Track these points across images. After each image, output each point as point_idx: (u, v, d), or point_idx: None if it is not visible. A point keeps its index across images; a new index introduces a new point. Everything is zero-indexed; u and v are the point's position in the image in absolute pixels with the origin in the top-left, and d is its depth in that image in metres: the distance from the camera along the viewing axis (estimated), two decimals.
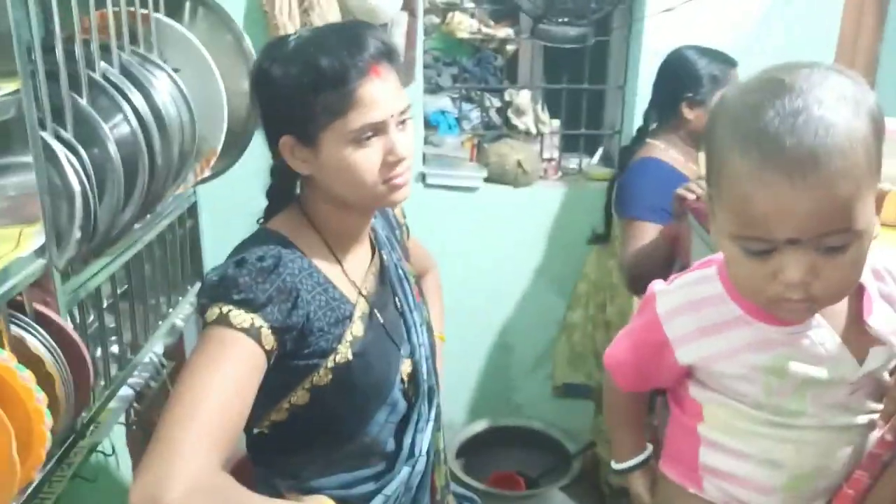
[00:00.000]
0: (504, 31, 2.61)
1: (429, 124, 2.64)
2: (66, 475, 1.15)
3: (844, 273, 0.77)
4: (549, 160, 2.74)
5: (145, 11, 1.44)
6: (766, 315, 0.86)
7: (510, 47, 2.68)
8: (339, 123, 0.99)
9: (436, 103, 2.64)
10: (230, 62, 1.58)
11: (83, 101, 1.19)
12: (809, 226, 0.73)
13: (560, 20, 2.53)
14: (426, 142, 2.62)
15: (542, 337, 2.76)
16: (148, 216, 1.47)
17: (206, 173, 1.57)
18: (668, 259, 1.82)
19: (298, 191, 1.14)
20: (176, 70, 1.47)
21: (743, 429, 0.92)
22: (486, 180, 2.62)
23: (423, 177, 2.57)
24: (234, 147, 1.62)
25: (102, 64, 1.28)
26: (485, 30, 2.57)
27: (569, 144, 2.78)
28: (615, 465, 1.15)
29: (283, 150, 1.05)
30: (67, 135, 1.15)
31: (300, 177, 1.12)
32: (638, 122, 2.43)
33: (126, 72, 1.32)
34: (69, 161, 1.13)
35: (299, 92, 1.01)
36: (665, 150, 2.08)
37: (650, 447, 1.13)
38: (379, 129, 1.02)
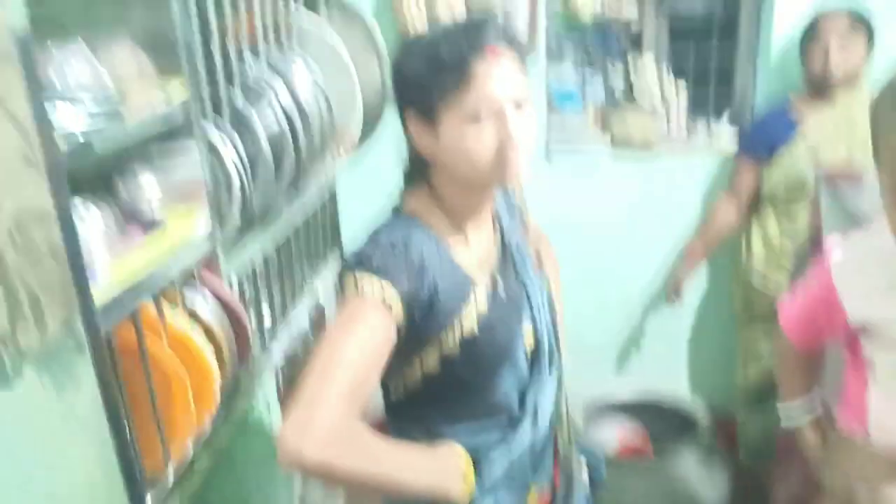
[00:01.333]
0: (628, 11, 2.58)
1: (552, 103, 2.67)
2: (229, 423, 1.32)
3: None
4: (677, 129, 2.69)
5: (286, 9, 1.58)
6: None
7: (635, 27, 2.65)
8: (456, 100, 1.07)
9: (559, 74, 2.66)
10: (362, 54, 1.70)
11: (238, 95, 1.34)
12: None
13: None
14: (549, 118, 2.66)
15: (668, 308, 2.75)
16: (294, 196, 1.61)
17: (345, 155, 1.70)
18: None
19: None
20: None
21: None
22: (612, 149, 2.63)
23: (547, 148, 2.61)
24: (368, 129, 1.74)
25: (251, 58, 1.42)
26: (608, 11, 2.56)
27: (698, 103, 2.72)
28: (785, 404, 1.25)
29: (409, 128, 1.14)
30: (224, 124, 1.30)
31: (429, 162, 1.21)
32: (770, 87, 2.36)
33: (271, 66, 1.46)
34: (227, 150, 1.28)
35: (424, 73, 1.09)
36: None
37: (818, 395, 1.22)
38: (494, 109, 1.07)
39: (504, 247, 1.27)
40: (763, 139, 2.32)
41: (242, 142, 1.30)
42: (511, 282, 1.25)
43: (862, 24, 2.16)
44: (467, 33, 1.08)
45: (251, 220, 1.36)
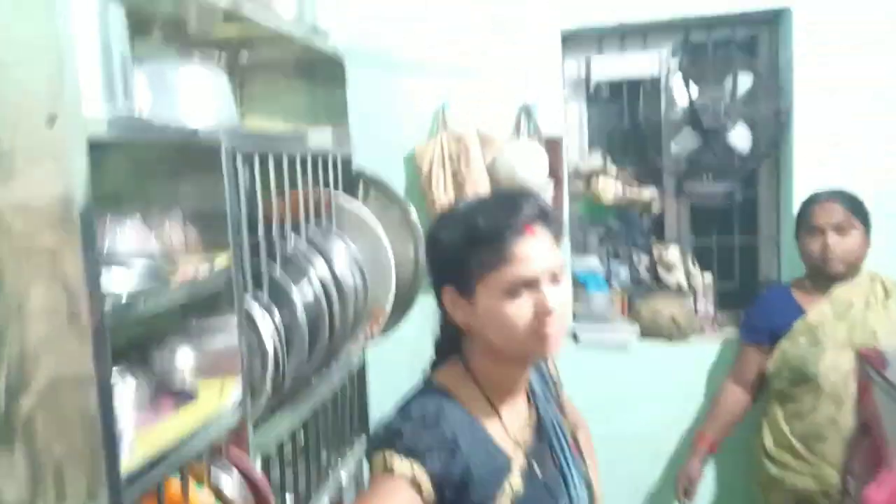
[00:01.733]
0: (648, 192, 2.69)
1: (577, 282, 2.70)
2: None
3: None
4: (704, 316, 2.69)
5: (327, 191, 1.65)
6: None
7: (656, 207, 2.74)
8: (493, 276, 1.08)
9: (584, 263, 2.71)
10: (398, 232, 1.76)
11: (278, 270, 1.37)
12: None
13: (705, 177, 2.59)
14: (575, 299, 2.67)
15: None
16: (325, 371, 1.59)
17: (376, 332, 1.70)
18: None
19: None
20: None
21: None
22: (640, 336, 2.61)
23: (574, 334, 2.60)
24: (401, 308, 1.75)
25: (293, 236, 1.47)
26: (629, 193, 2.66)
27: (724, 299, 2.73)
28: None
29: (445, 301, 1.15)
30: (264, 297, 1.31)
31: (462, 332, 1.20)
32: (795, 272, 2.38)
33: (311, 242, 1.51)
34: (265, 322, 1.28)
35: (460, 248, 1.11)
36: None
37: None
38: (531, 283, 1.08)
39: (539, 423, 1.23)
40: (764, 324, 2.29)
41: (280, 314, 1.31)
42: (547, 461, 1.19)
43: (858, 213, 2.14)
44: (505, 210, 1.12)
45: (282, 394, 1.33)
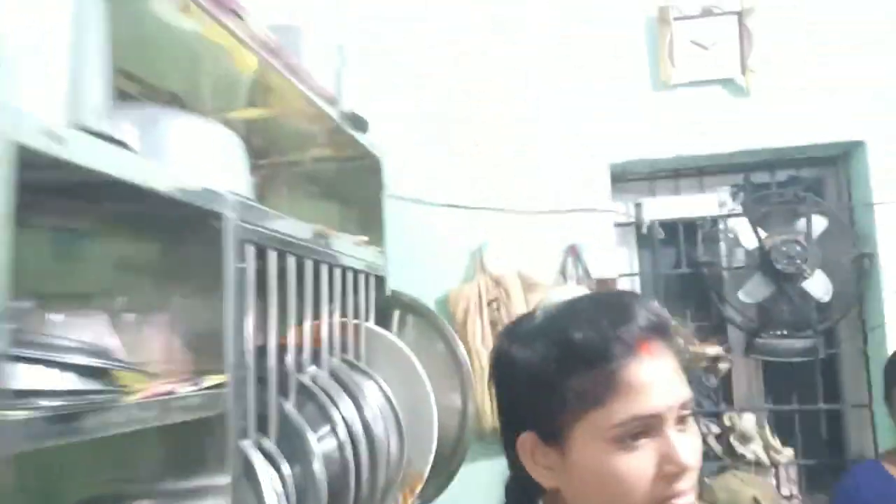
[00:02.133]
0: (713, 349, 2.33)
1: None
2: None
3: None
4: (789, 497, 2.24)
5: (356, 322, 1.32)
6: None
7: (723, 366, 2.37)
8: (596, 415, 0.76)
9: None
10: (441, 372, 1.40)
11: (289, 406, 1.01)
12: None
13: (778, 333, 2.25)
14: None
15: None
16: None
17: (410, 501, 1.29)
18: None
19: None
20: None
21: None
22: None
23: None
24: (442, 472, 1.35)
25: (312, 368, 1.12)
26: (691, 349, 2.31)
27: (811, 474, 2.29)
28: None
29: (521, 453, 0.81)
30: (270, 445, 0.94)
31: (542, 494, 0.83)
32: (891, 443, 1.99)
33: (334, 377, 1.15)
34: (269, 479, 0.90)
35: (545, 373, 0.78)
36: None
37: None
38: (652, 425, 0.76)
39: None
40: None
41: (291, 468, 0.93)
42: None
43: None
44: (610, 319, 0.79)
45: None
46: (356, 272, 1.29)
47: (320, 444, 1.01)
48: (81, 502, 0.81)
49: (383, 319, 1.43)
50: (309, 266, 1.13)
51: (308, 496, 0.94)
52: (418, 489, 1.29)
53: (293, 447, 0.96)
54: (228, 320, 0.89)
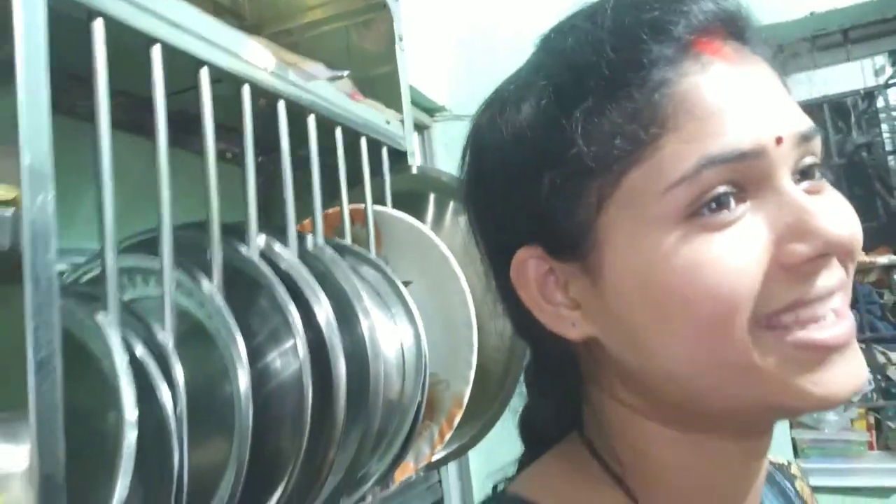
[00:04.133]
0: (886, 257, 1.81)
1: None
2: None
3: None
4: None
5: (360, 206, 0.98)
6: None
7: None
8: (640, 174, 0.39)
9: None
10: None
11: (212, 287, 0.68)
12: None
13: None
14: (792, 424, 1.75)
15: None
16: None
17: (439, 442, 0.93)
18: None
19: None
20: (406, 283, 0.95)
21: None
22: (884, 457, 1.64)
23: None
24: (486, 406, 0.99)
25: (276, 247, 0.79)
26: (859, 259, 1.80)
27: None
28: None
29: (519, 288, 0.46)
30: (164, 337, 0.62)
31: (580, 378, 0.49)
32: None
33: (311, 265, 0.81)
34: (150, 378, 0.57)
35: (546, 123, 0.42)
36: None
37: None
38: (749, 177, 0.39)
39: None
40: None
41: (194, 385, 0.60)
42: None
43: None
44: (648, 15, 0.41)
45: None
46: (357, 134, 0.95)
47: (264, 358, 0.68)
48: None
49: (410, 208, 1.08)
50: (282, 107, 0.81)
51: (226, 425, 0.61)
52: (458, 418, 0.92)
53: (206, 353, 0.63)
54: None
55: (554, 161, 0.41)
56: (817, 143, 0.41)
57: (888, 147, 1.81)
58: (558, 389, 0.50)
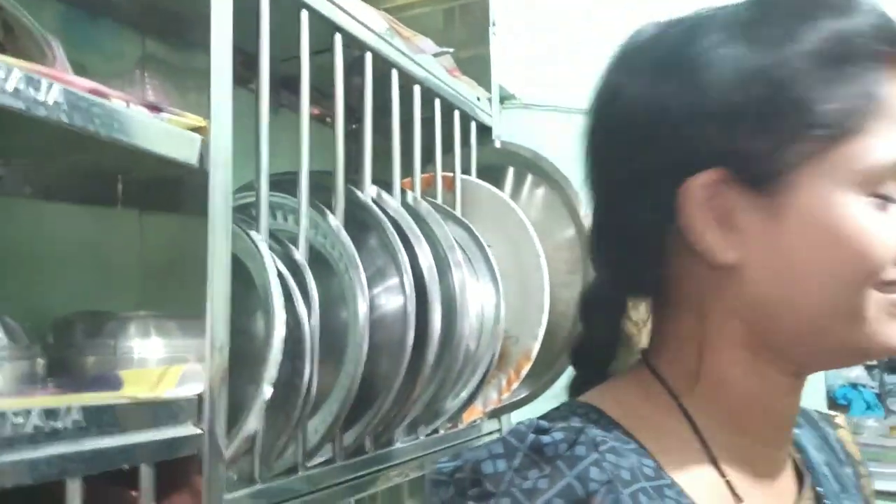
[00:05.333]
0: None
1: (835, 402, 1.87)
2: None
3: None
4: None
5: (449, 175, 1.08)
6: None
7: None
8: (847, 151, 0.47)
9: (842, 374, 1.89)
10: (560, 244, 1.12)
11: (335, 221, 0.78)
12: None
13: None
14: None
15: None
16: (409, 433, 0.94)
17: (514, 387, 1.03)
18: None
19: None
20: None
21: None
22: None
23: None
24: (549, 364, 1.08)
25: (379, 191, 0.89)
26: None
27: None
28: None
29: (686, 201, 0.49)
30: (300, 256, 0.72)
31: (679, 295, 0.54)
32: None
33: (412, 212, 0.92)
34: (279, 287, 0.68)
35: (789, 62, 0.48)
36: None
37: None
38: None
39: None
40: None
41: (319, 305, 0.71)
42: None
43: None
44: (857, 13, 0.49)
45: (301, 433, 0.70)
46: (451, 107, 1.05)
47: (371, 291, 0.78)
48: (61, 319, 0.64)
49: (491, 179, 1.17)
50: (395, 76, 0.91)
51: (347, 342, 0.71)
52: (525, 370, 1.02)
53: (323, 281, 0.73)
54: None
55: (782, 104, 0.47)
56: None
57: None
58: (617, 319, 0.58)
